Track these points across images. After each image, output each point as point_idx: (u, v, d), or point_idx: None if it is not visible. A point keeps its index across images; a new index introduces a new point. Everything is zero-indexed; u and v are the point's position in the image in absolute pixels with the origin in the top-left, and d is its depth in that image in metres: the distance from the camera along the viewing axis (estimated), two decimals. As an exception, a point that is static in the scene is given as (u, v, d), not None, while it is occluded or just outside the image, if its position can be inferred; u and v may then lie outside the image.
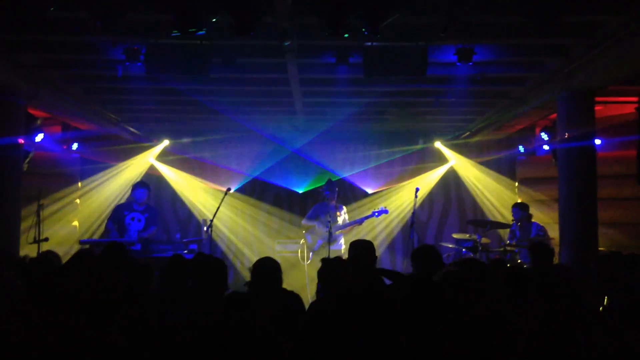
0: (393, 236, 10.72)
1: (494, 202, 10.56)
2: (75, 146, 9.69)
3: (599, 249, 7.20)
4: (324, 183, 9.10)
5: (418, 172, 10.85)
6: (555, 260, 6.78)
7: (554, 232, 7.87)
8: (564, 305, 3.67)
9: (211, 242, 7.99)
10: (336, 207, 8.90)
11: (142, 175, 10.54)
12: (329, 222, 8.41)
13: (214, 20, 5.26)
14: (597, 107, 7.42)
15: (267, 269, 4.28)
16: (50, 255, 5.23)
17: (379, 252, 10.53)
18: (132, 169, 10.52)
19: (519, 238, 8.08)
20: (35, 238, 7.24)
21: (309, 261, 8.97)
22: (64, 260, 4.24)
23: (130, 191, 8.95)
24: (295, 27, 5.44)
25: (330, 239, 8.36)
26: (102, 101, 8.44)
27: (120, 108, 8.89)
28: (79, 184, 10.30)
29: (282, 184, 10.77)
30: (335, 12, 4.97)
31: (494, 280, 4.05)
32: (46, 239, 7.49)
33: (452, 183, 10.96)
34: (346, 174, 10.83)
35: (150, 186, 8.46)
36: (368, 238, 10.40)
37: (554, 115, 7.95)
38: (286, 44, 5.64)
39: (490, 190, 10.65)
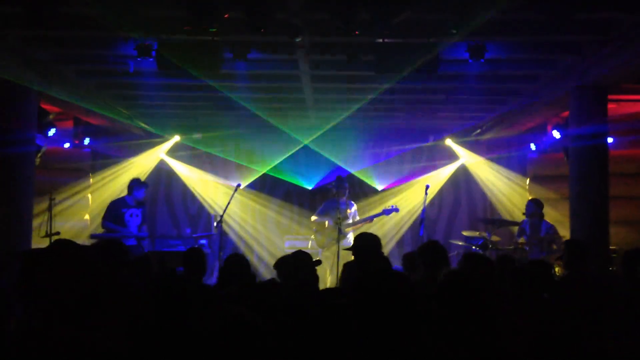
0: (402, 233, 10.71)
1: (505, 199, 10.52)
2: (87, 141, 9.75)
3: (610, 247, 7.16)
4: (334, 179, 9.09)
5: (428, 169, 10.83)
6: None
7: (564, 230, 7.83)
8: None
9: (221, 237, 8.02)
10: (346, 204, 8.89)
11: (152, 170, 10.60)
12: (339, 218, 8.41)
13: (226, 16, 5.28)
14: (610, 105, 7.37)
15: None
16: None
17: (387, 249, 10.53)
18: (143, 164, 10.58)
19: (529, 235, 8.04)
20: (47, 232, 7.30)
21: (319, 257, 8.97)
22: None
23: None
24: (307, 24, 5.44)
25: (340, 236, 8.36)
26: (114, 96, 8.48)
27: (132, 103, 8.93)
28: (91, 178, 10.37)
29: (293, 180, 10.78)
30: (347, 8, 4.97)
31: (500, 277, 4.04)
32: (58, 233, 7.54)
33: (462, 180, 10.93)
34: (356, 170, 10.83)
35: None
36: (378, 234, 10.46)
37: (566, 113, 7.91)
38: (297, 40, 5.65)
39: (501, 188, 10.61)
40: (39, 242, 7.41)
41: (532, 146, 10.04)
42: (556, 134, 8.81)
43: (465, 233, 8.87)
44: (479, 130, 10.31)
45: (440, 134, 10.68)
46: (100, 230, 8.23)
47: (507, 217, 10.08)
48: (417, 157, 10.83)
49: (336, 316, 2.63)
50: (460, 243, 8.66)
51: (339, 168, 10.49)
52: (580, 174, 7.03)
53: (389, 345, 2.30)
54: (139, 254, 7.33)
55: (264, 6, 5.03)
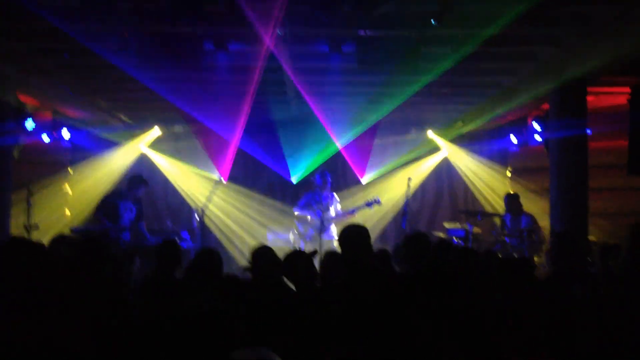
0: (385, 225, 10.74)
1: (486, 191, 10.61)
2: (66, 134, 9.62)
3: (589, 238, 7.25)
4: (317, 172, 9.09)
5: (410, 161, 10.87)
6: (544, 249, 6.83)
7: (545, 222, 7.92)
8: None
9: (203, 230, 7.98)
10: (328, 197, 8.91)
11: (133, 163, 10.52)
12: (321, 211, 8.42)
13: (207, 7, 5.24)
14: (589, 98, 7.45)
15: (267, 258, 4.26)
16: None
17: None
18: (123, 157, 10.49)
19: (510, 228, 8.12)
20: (25, 225, 7.23)
21: (303, 250, 8.98)
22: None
23: (123, 181, 8.99)
24: (288, 15, 5.41)
25: (322, 229, 8.38)
26: (94, 89, 8.38)
27: (112, 96, 8.83)
28: (70, 171, 10.26)
29: (275, 172, 10.75)
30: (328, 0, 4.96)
31: (487, 272, 4.07)
32: (36, 226, 7.48)
33: (444, 172, 10.99)
34: (339, 163, 10.83)
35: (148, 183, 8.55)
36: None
37: (547, 106, 7.98)
38: (279, 31, 5.62)
39: (483, 179, 10.70)
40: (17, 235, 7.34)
41: (513, 139, 10.12)
42: (536, 127, 8.88)
43: (447, 225, 8.92)
44: (460, 123, 10.36)
45: (422, 126, 10.72)
46: (80, 223, 8.18)
47: (488, 208, 10.17)
48: (400, 149, 10.86)
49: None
50: (442, 235, 8.71)
51: (322, 160, 10.48)
52: (560, 166, 7.11)
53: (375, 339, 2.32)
54: (120, 248, 7.33)
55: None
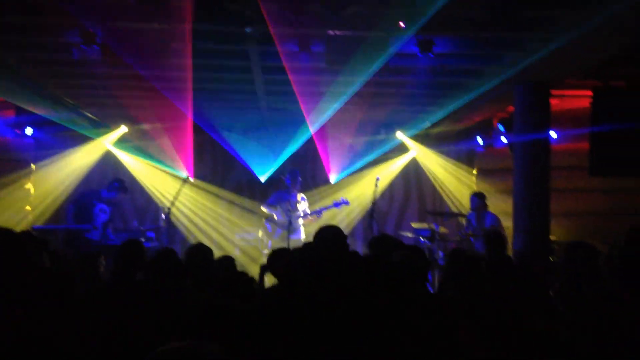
0: (353, 225, 10.79)
1: (453, 192, 10.75)
2: (29, 131, 9.43)
3: (550, 237, 7.41)
4: (286, 171, 9.09)
5: (379, 161, 10.94)
6: (509, 249, 6.94)
7: (509, 222, 8.05)
8: (516, 291, 3.77)
9: (169, 229, 7.92)
10: (297, 197, 8.91)
11: (98, 160, 10.35)
12: (289, 210, 8.42)
13: (175, 4, 5.19)
14: (553, 101, 7.60)
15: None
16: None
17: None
18: (88, 154, 10.31)
19: (475, 227, 8.24)
20: (-14, 224, 7.06)
21: (269, 249, 8.96)
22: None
23: (99, 182, 8.95)
24: (257, 14, 5.39)
25: (290, 228, 8.38)
26: (58, 85, 8.22)
27: (77, 93, 8.67)
28: (33, 169, 10.04)
29: (244, 171, 10.70)
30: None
31: (451, 269, 4.14)
32: (-3, 226, 7.31)
33: (412, 173, 11.09)
34: (308, 162, 10.85)
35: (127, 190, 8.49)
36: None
37: (511, 108, 8.11)
38: (248, 30, 5.60)
39: (449, 180, 10.83)
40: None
41: (479, 140, 10.27)
42: (501, 129, 9.03)
43: (414, 225, 9.01)
44: (428, 124, 10.47)
45: (391, 127, 10.79)
46: (43, 223, 8.06)
47: (454, 209, 10.31)
48: (369, 149, 10.91)
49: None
50: (409, 235, 8.79)
51: (291, 160, 10.49)
52: (524, 167, 7.24)
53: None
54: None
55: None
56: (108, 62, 6.49)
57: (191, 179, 10.11)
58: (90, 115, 9.65)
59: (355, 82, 7.61)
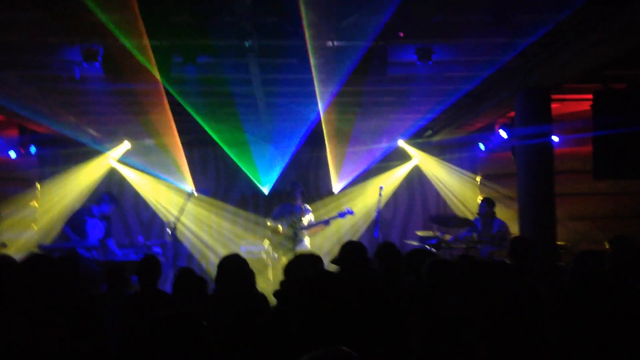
0: (359, 235, 10.76)
1: (457, 198, 10.74)
2: (33, 149, 9.48)
3: (557, 243, 7.37)
4: (289, 183, 9.09)
5: (382, 170, 10.94)
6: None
7: (514, 228, 8.03)
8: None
9: (175, 244, 7.93)
10: (301, 208, 8.91)
11: (103, 177, 10.38)
12: (294, 222, 8.42)
13: (174, 19, 5.23)
14: (554, 105, 7.59)
15: (235, 266, 4.24)
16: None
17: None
18: (93, 172, 10.34)
19: (480, 233, 8.21)
20: (-8, 243, 7.09)
21: (275, 262, 8.95)
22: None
23: (91, 196, 8.91)
24: (256, 27, 5.43)
25: (295, 240, 8.37)
26: (60, 103, 8.27)
27: (79, 110, 8.73)
28: (38, 187, 10.08)
29: (247, 184, 10.72)
30: (295, 11, 4.99)
31: (461, 276, 4.11)
32: (4, 245, 7.34)
33: (416, 181, 11.09)
34: (311, 173, 10.86)
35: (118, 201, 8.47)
36: (333, 237, 10.55)
37: (513, 113, 8.11)
38: (247, 44, 5.63)
39: (453, 187, 10.82)
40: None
41: (481, 146, 10.27)
42: (503, 134, 9.03)
43: (419, 233, 8.98)
44: (430, 132, 10.48)
45: (393, 135, 10.80)
46: (49, 241, 8.06)
47: (460, 215, 10.28)
48: (371, 158, 10.92)
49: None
50: (415, 243, 8.76)
51: (294, 171, 10.51)
52: (527, 172, 7.21)
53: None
54: (90, 265, 7.24)
55: (212, 9, 5.00)
56: (109, 79, 6.54)
57: (195, 194, 10.12)
58: (92, 132, 9.69)
59: (354, 92, 7.64)
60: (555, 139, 8.13)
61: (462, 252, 8.00)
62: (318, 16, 5.06)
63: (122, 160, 10.55)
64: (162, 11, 5.08)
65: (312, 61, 6.16)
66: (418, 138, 10.77)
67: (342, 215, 8.91)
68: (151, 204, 10.60)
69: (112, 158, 10.46)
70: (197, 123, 9.04)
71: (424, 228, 9.96)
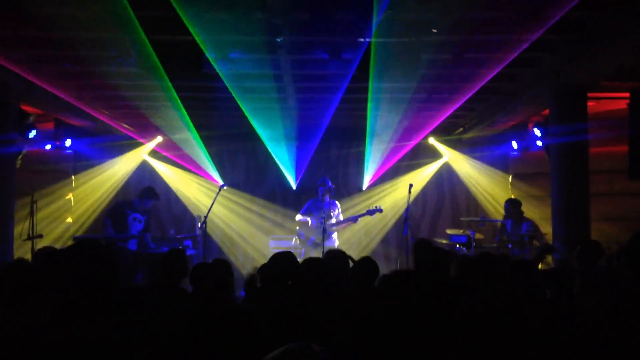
0: (387, 232, 10.75)
1: (488, 197, 10.62)
2: (68, 142, 9.67)
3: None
4: (318, 179, 9.10)
5: (411, 168, 10.89)
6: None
7: (547, 228, 7.91)
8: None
9: (205, 237, 8.01)
10: (330, 204, 8.91)
11: (135, 171, 10.56)
12: (323, 218, 8.43)
13: (206, 15, 5.27)
14: (590, 103, 7.45)
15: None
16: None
17: (371, 247, 10.60)
18: (125, 165, 10.53)
19: (510, 233, 8.12)
20: (29, 235, 7.24)
21: (302, 257, 8.98)
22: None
23: (123, 189, 9.04)
24: (287, 23, 5.44)
25: (324, 236, 8.38)
26: (96, 98, 8.42)
27: (114, 104, 8.86)
28: (73, 180, 10.29)
29: (277, 179, 10.78)
30: (327, 7, 4.99)
31: (480, 274, 4.08)
32: (40, 236, 7.51)
33: (445, 179, 11.01)
34: (340, 170, 10.87)
35: (159, 197, 8.57)
36: (362, 235, 10.55)
37: (547, 112, 7.99)
38: (278, 40, 5.65)
39: (484, 185, 10.70)
40: (20, 245, 7.36)
41: (514, 144, 10.13)
42: (537, 132, 8.89)
43: (449, 231, 8.92)
44: (461, 129, 10.38)
45: (423, 133, 10.72)
46: (81, 232, 8.23)
47: (490, 214, 10.18)
48: (401, 155, 10.87)
49: None
50: (444, 241, 8.71)
51: (324, 167, 10.53)
52: (561, 171, 7.10)
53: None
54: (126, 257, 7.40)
55: (244, 6, 5.03)
56: (143, 74, 6.63)
57: (226, 189, 10.21)
58: (126, 126, 9.85)
59: (387, 88, 7.61)
60: (590, 137, 7.98)
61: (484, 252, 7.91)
62: (351, 13, 5.05)
63: (154, 154, 10.71)
64: (196, 7, 5.13)
65: (342, 57, 6.16)
66: (449, 135, 10.68)
67: (371, 212, 8.89)
68: (182, 198, 10.73)
69: (145, 152, 10.63)
70: (228, 118, 9.12)
71: (454, 226, 9.89)
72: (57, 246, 8.42)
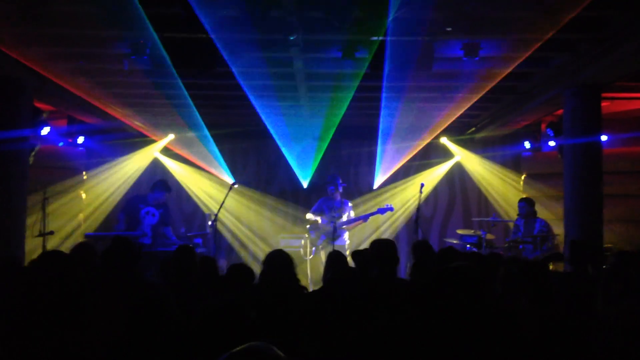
0: (398, 231, 10.72)
1: (499, 197, 10.56)
2: (81, 139, 9.71)
3: (605, 245, 7.19)
4: (329, 178, 9.10)
5: (423, 167, 10.86)
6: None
7: (559, 229, 7.85)
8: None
9: (216, 235, 8.00)
10: (341, 202, 8.90)
11: (146, 168, 10.59)
12: (334, 217, 8.42)
13: (220, 14, 5.27)
14: (604, 103, 7.39)
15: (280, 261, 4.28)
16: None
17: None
18: (137, 162, 10.56)
19: (523, 233, 8.06)
20: (40, 231, 7.28)
21: (312, 256, 8.99)
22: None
23: (134, 187, 9.06)
24: (301, 21, 5.43)
25: (334, 235, 8.37)
26: (108, 95, 8.45)
27: (126, 102, 8.89)
28: (85, 176, 10.33)
29: (287, 178, 10.78)
30: (341, 6, 4.97)
31: (491, 274, 4.05)
32: (51, 232, 7.54)
33: (457, 179, 10.96)
34: (351, 168, 10.85)
35: (171, 189, 8.54)
36: (372, 234, 10.51)
37: (560, 111, 7.93)
38: (292, 38, 5.64)
39: (495, 185, 10.64)
40: (32, 241, 7.39)
41: (527, 144, 10.08)
42: (550, 132, 8.83)
43: (460, 231, 8.88)
44: (473, 129, 10.33)
45: (435, 131, 10.68)
46: (93, 229, 8.25)
47: (502, 214, 10.12)
48: (413, 154, 10.83)
49: None
50: (455, 241, 8.67)
51: (335, 166, 10.52)
52: (574, 172, 7.05)
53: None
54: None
55: (259, 4, 5.02)
56: (157, 72, 6.64)
57: (237, 187, 10.22)
58: (138, 123, 9.88)
59: (398, 87, 7.58)
60: (604, 138, 7.92)
61: (502, 253, 7.87)
62: (364, 11, 5.03)
63: (166, 152, 10.74)
64: (208, 6, 5.13)
65: (356, 56, 6.13)
66: (461, 135, 10.63)
67: (382, 211, 8.87)
68: (193, 196, 10.75)
69: (157, 149, 10.66)
70: (240, 116, 9.13)
71: (465, 226, 9.84)
72: (68, 243, 8.51)
